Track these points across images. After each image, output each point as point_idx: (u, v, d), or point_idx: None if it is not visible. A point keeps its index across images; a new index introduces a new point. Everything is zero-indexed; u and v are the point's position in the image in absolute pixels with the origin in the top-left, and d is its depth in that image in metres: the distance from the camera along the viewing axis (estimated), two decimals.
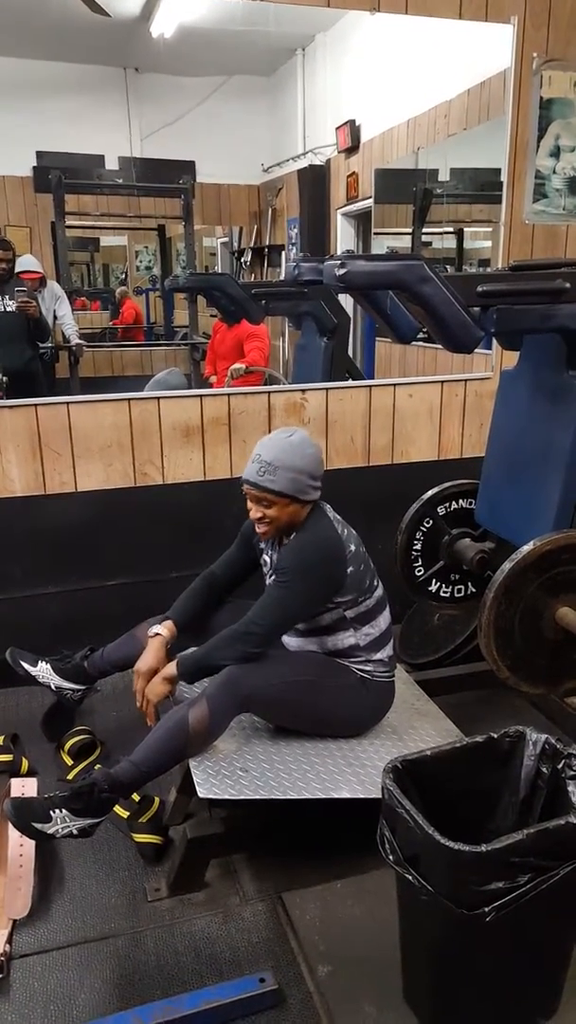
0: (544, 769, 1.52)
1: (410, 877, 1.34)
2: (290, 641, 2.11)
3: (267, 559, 2.13)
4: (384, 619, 2.07)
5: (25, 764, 2.30)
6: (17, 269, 4.29)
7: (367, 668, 2.04)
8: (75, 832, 1.78)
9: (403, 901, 1.49)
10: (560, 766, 1.50)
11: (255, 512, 1.99)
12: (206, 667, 1.95)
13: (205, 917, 1.82)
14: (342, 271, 1.82)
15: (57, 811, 1.77)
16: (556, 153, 3.00)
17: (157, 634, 2.11)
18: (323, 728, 2.04)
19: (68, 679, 2.33)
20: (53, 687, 2.33)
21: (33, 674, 2.34)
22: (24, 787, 2.18)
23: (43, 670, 2.34)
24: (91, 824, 1.81)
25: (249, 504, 2.00)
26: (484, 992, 1.45)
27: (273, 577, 2.02)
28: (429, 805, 1.41)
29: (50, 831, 1.76)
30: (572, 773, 1.47)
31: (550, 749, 1.53)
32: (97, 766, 2.23)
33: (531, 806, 1.54)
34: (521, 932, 1.36)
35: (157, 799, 2.07)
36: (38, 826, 1.75)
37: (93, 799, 1.78)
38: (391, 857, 1.38)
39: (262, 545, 2.14)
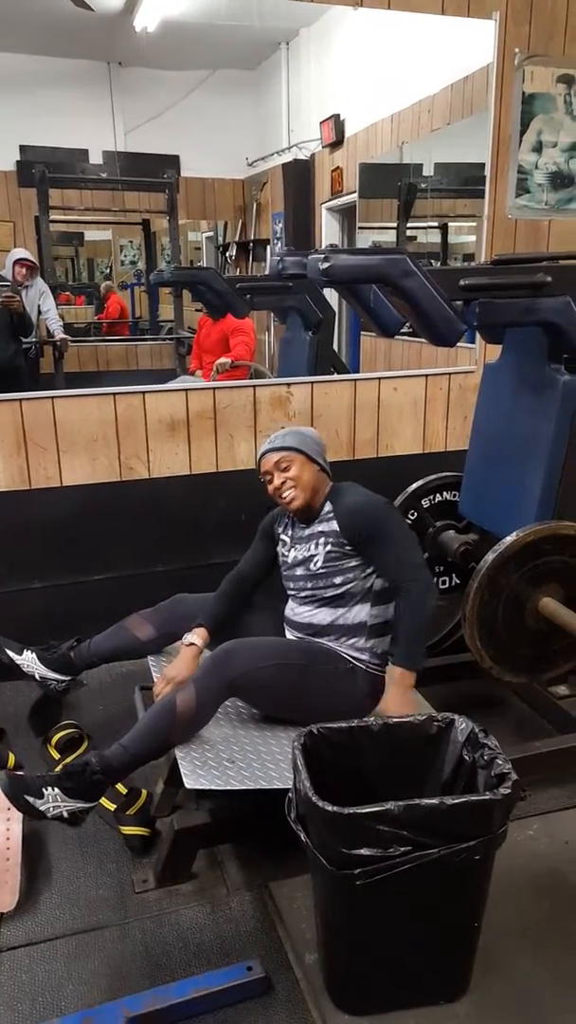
0: (466, 756, 1.56)
1: (301, 835, 1.40)
2: (300, 610, 2.11)
3: (286, 539, 2.15)
4: (392, 609, 2.06)
5: (12, 758, 2.29)
6: (10, 259, 4.30)
7: (362, 657, 2.04)
8: (65, 815, 1.80)
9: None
10: (479, 754, 1.53)
11: (278, 479, 2.05)
12: (421, 639, 2.01)
13: (193, 907, 1.83)
14: (326, 265, 1.83)
15: (49, 789, 1.79)
16: (538, 148, 3.02)
17: (192, 643, 2.09)
18: (310, 717, 2.01)
19: (53, 669, 2.31)
20: (37, 676, 2.32)
21: (17, 662, 2.32)
22: None
23: (28, 659, 2.32)
24: (81, 809, 1.82)
25: (273, 482, 2.06)
26: (375, 963, 1.49)
27: (363, 541, 2.02)
28: (347, 775, 1.49)
29: (42, 807, 1.78)
30: (482, 762, 1.50)
31: (475, 738, 1.56)
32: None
33: (453, 789, 1.57)
34: (400, 904, 1.40)
35: (144, 792, 2.07)
36: (30, 799, 1.78)
37: (84, 779, 1.80)
38: (291, 815, 1.45)
39: (279, 529, 2.18)
